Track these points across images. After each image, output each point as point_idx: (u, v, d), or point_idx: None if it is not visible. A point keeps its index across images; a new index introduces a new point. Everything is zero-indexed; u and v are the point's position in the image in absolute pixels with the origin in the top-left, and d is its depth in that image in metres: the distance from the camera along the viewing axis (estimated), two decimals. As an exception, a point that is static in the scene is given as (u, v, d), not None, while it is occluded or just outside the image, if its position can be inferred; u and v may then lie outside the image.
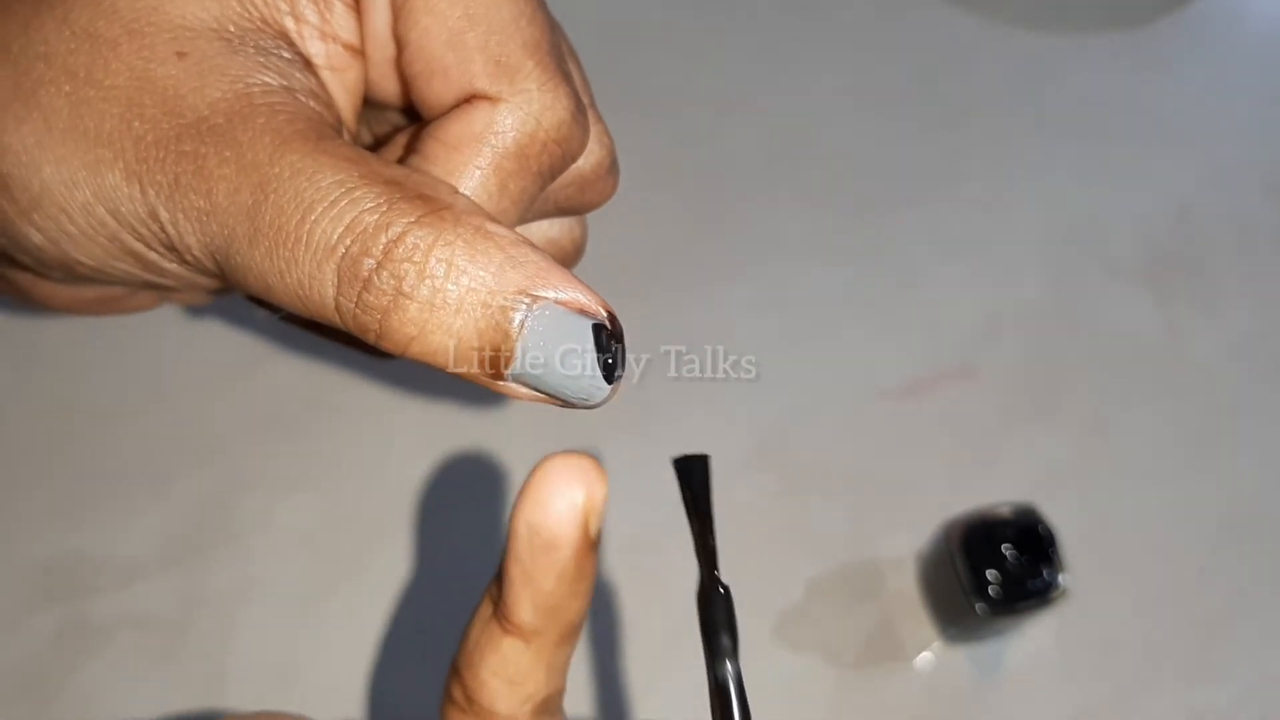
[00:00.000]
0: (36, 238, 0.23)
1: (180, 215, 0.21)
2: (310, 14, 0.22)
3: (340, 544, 0.43)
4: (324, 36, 0.23)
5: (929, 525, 0.43)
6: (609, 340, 0.19)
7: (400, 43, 0.23)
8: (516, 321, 0.19)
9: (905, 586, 0.43)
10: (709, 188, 0.52)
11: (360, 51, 0.23)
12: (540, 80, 0.22)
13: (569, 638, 0.23)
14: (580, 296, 0.19)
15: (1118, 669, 0.43)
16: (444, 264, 0.19)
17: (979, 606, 0.39)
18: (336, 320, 0.20)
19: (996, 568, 0.39)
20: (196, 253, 0.21)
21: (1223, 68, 0.57)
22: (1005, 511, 0.40)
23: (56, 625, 0.40)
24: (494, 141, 0.22)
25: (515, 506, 0.20)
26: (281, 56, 0.22)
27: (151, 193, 0.21)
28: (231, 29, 0.22)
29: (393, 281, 0.19)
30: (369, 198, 0.19)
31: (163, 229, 0.21)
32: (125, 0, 0.21)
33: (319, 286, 0.19)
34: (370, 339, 0.20)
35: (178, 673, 0.40)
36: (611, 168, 0.26)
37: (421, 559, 0.43)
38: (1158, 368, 0.49)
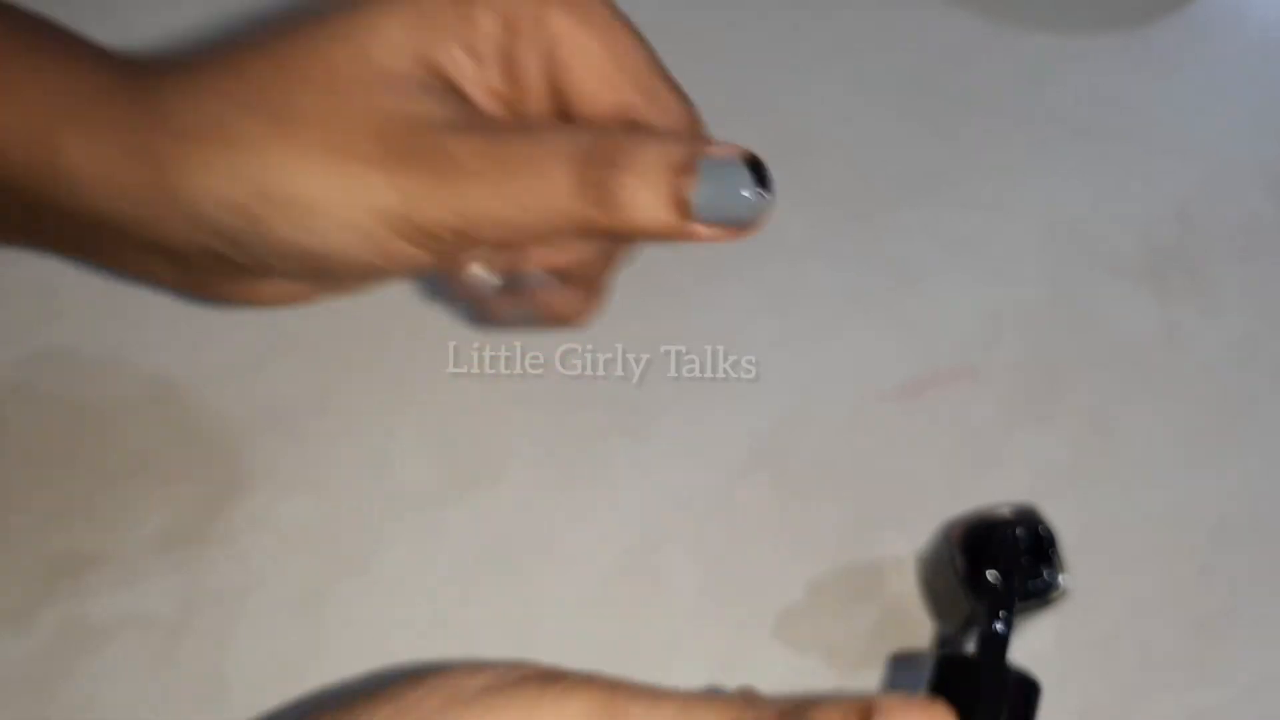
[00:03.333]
0: (306, 243, 0.29)
1: (431, 206, 0.27)
2: (467, 67, 0.29)
3: (340, 544, 0.43)
4: (476, 86, 0.30)
5: (929, 525, 0.43)
6: (755, 170, 0.28)
7: (554, 84, 0.30)
8: (688, 168, 0.27)
9: (905, 586, 0.43)
10: (709, 188, 0.52)
11: (502, 96, 0.30)
12: (673, 98, 0.32)
13: None
14: (726, 148, 0.28)
15: (1118, 669, 0.43)
16: (636, 174, 0.27)
17: (979, 607, 0.39)
18: (564, 222, 0.28)
19: (996, 568, 0.39)
20: (439, 231, 0.28)
21: (1223, 68, 0.57)
22: (1005, 511, 0.40)
23: (56, 625, 0.40)
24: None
25: None
26: (452, 98, 0.29)
27: (411, 186, 0.27)
28: (417, 73, 0.28)
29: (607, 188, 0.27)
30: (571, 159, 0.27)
31: (410, 218, 0.28)
32: (344, 59, 0.28)
33: (554, 199, 0.27)
34: (603, 221, 0.27)
35: (177, 673, 0.40)
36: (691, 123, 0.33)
37: (421, 560, 0.43)
38: (1158, 368, 0.49)
